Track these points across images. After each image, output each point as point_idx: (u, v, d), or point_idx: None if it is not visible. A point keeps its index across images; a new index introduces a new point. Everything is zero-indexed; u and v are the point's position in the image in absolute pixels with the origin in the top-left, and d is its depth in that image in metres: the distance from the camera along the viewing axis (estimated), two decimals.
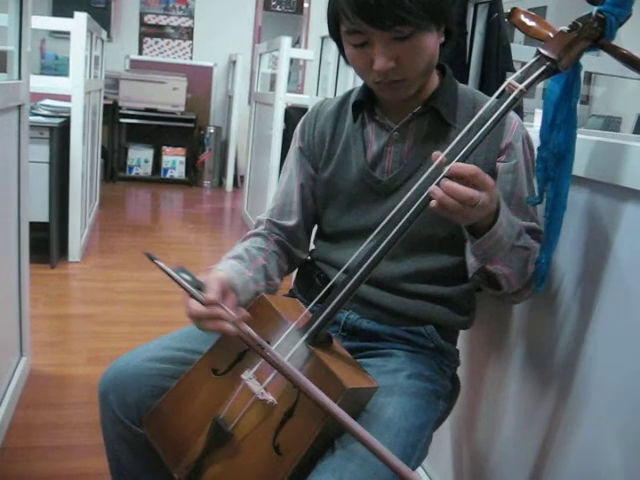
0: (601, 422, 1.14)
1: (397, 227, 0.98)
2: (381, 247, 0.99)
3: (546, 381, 1.29)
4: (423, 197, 0.96)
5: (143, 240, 4.48)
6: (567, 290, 1.24)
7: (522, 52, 2.15)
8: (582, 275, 1.20)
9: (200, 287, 1.00)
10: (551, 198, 1.15)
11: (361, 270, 1.00)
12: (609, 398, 1.12)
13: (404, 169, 1.22)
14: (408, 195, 0.98)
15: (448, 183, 0.93)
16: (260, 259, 1.27)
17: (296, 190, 1.35)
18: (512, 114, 1.20)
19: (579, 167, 1.17)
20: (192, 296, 0.98)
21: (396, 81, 1.14)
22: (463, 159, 0.95)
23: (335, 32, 1.17)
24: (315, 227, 1.41)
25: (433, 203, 0.94)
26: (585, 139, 1.18)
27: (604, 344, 1.14)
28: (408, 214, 0.97)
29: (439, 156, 0.95)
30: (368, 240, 1.02)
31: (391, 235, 0.98)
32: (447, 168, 0.94)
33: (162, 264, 0.97)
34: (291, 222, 1.35)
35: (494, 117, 0.97)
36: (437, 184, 0.93)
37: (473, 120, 0.98)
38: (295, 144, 1.38)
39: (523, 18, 1.12)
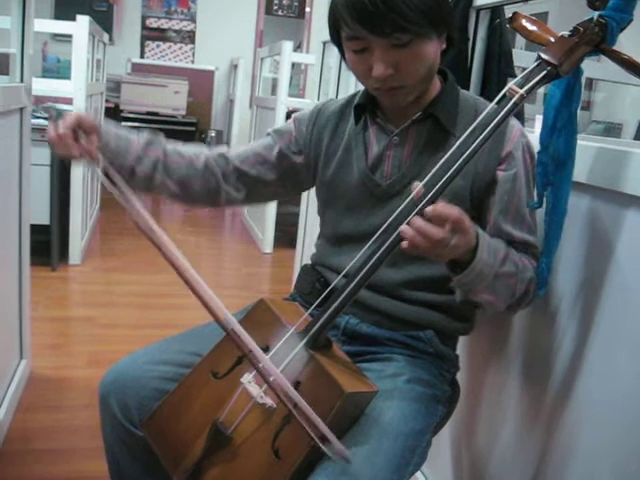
0: (602, 428, 1.14)
1: (372, 261, 0.99)
2: (374, 259, 0.99)
3: (546, 387, 1.29)
4: (394, 236, 0.96)
5: (143, 243, 4.46)
6: (568, 296, 1.24)
7: (523, 57, 2.16)
8: (584, 281, 1.20)
9: (60, 117, 1.17)
10: (551, 202, 1.15)
11: (360, 275, 1.00)
12: (610, 404, 1.12)
13: (403, 175, 1.23)
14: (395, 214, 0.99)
15: (420, 224, 0.93)
16: (159, 152, 1.30)
17: (260, 150, 1.36)
18: (514, 122, 1.20)
19: (581, 173, 1.17)
20: (50, 124, 1.17)
21: (395, 88, 1.14)
22: (448, 182, 0.96)
23: (336, 37, 1.18)
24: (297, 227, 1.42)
25: (404, 244, 0.95)
26: (587, 145, 1.18)
27: (605, 351, 1.14)
28: (380, 251, 0.98)
29: (417, 187, 0.96)
30: (367, 246, 1.03)
31: (369, 265, 0.99)
32: (428, 197, 0.95)
33: (49, 105, 1.25)
34: (235, 161, 1.36)
35: (494, 122, 0.97)
36: (408, 223, 0.94)
37: (474, 125, 0.99)
38: (289, 129, 1.38)
39: (524, 23, 1.12)
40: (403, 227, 0.94)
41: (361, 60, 1.13)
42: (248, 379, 1.05)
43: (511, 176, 1.18)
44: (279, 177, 1.37)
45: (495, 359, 1.49)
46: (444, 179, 0.96)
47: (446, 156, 0.98)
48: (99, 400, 1.21)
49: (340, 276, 1.11)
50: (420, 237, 0.93)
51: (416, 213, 0.95)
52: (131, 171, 1.27)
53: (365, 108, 1.28)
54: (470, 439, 1.61)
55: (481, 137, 0.97)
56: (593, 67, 2.92)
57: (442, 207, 0.94)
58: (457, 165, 0.96)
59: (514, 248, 1.17)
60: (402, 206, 0.98)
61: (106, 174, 1.13)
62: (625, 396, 1.09)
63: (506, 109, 0.97)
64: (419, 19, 1.05)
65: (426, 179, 0.97)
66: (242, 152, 1.38)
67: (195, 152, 1.35)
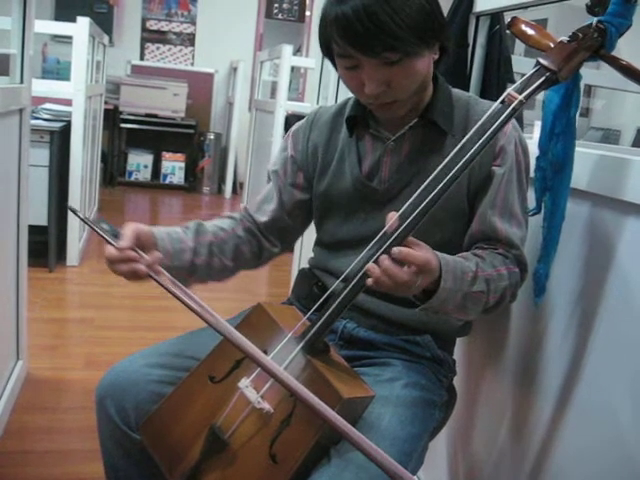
0: (599, 434, 1.14)
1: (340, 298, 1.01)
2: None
3: (543, 393, 1.29)
4: (361, 273, 0.98)
5: None
6: (568, 303, 1.24)
7: (522, 64, 2.16)
8: (583, 289, 1.20)
9: (117, 235, 1.10)
10: (549, 208, 1.15)
11: (355, 280, 1.00)
12: (608, 411, 1.12)
13: (400, 177, 1.23)
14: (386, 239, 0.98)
15: (387, 265, 0.94)
16: (209, 236, 1.28)
17: (277, 193, 1.36)
18: None
19: (581, 180, 1.17)
20: (107, 242, 1.09)
21: (388, 102, 1.15)
22: (424, 213, 0.96)
23: (328, 53, 1.18)
24: (307, 235, 1.41)
25: (369, 281, 0.96)
26: (587, 152, 1.18)
27: (604, 358, 1.14)
28: (349, 287, 1.00)
29: (393, 218, 0.96)
30: (367, 249, 1.03)
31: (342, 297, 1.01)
32: (399, 231, 0.95)
33: (82, 216, 1.15)
34: (263, 219, 1.36)
35: (492, 129, 0.97)
36: (376, 262, 0.95)
37: (471, 132, 0.99)
38: (287, 151, 1.37)
39: (524, 27, 1.12)
40: (370, 265, 0.95)
41: (353, 76, 1.13)
42: (245, 384, 1.05)
43: (503, 170, 1.18)
44: (301, 210, 1.37)
45: (492, 365, 1.50)
46: (419, 209, 0.96)
47: (435, 172, 0.98)
48: (96, 402, 1.20)
49: (338, 281, 1.11)
50: (385, 278, 0.94)
51: (384, 251, 0.95)
52: (191, 265, 1.24)
53: (357, 119, 1.28)
54: (467, 444, 1.61)
55: (476, 147, 0.97)
56: (592, 74, 2.93)
57: (407, 251, 0.94)
58: (440, 187, 0.97)
59: (495, 248, 1.17)
60: (378, 236, 0.99)
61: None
62: (621, 403, 1.09)
63: (505, 115, 0.98)
64: (408, 37, 1.05)
65: (402, 209, 0.97)
66: (258, 201, 1.38)
67: (232, 222, 1.34)
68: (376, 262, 0.95)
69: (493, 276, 1.11)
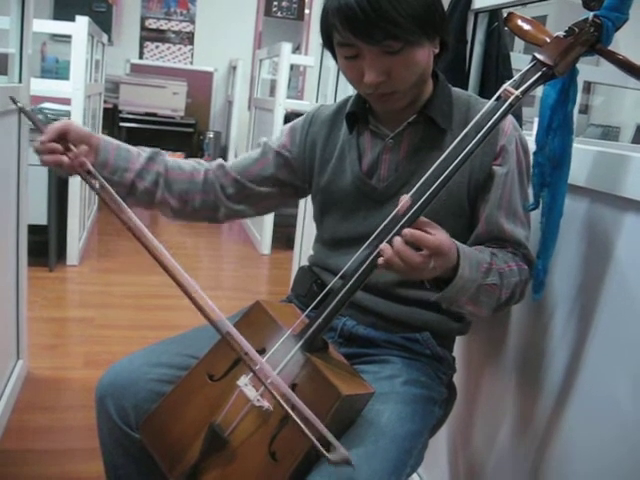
0: (599, 431, 1.14)
1: (354, 279, 0.99)
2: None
3: (543, 390, 1.29)
4: (374, 254, 0.97)
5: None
6: (567, 300, 1.24)
7: (522, 61, 2.15)
8: (582, 285, 1.20)
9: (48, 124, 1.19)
10: (547, 203, 1.15)
11: (355, 277, 1.00)
12: (607, 407, 1.12)
13: (399, 176, 1.23)
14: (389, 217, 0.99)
15: (399, 246, 0.93)
16: (161, 167, 1.31)
17: (256, 161, 1.37)
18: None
19: (579, 177, 1.17)
20: (38, 130, 1.18)
21: (387, 94, 1.15)
22: (435, 194, 0.96)
23: (328, 43, 1.18)
24: (314, 232, 1.41)
25: (381, 260, 0.95)
26: (586, 149, 1.18)
27: (605, 353, 1.14)
28: (361, 269, 0.98)
29: (405, 199, 0.96)
30: (363, 247, 1.03)
31: (353, 280, 1.00)
32: (412, 211, 0.95)
33: (20, 105, 1.26)
34: (232, 172, 1.36)
35: (489, 124, 0.97)
36: (389, 242, 0.94)
37: (467, 128, 0.99)
38: (282, 140, 1.37)
39: (520, 23, 1.12)
40: (383, 245, 0.95)
41: (353, 66, 1.13)
42: (245, 382, 1.05)
43: (505, 171, 1.18)
44: (275, 187, 1.37)
45: (492, 362, 1.50)
46: (431, 190, 0.96)
47: (435, 165, 0.98)
48: (96, 402, 1.20)
49: (336, 277, 1.11)
50: (397, 259, 0.94)
51: (397, 232, 0.95)
52: (131, 186, 1.28)
53: (357, 115, 1.28)
54: (467, 441, 1.61)
55: (474, 142, 0.97)
56: (591, 71, 2.92)
57: (420, 234, 0.94)
58: (446, 173, 0.96)
59: (504, 247, 1.17)
60: (390, 216, 0.98)
61: (101, 187, 1.16)
62: (622, 398, 1.09)
63: (501, 111, 0.97)
64: (410, 26, 1.05)
65: (414, 189, 0.97)
66: (239, 163, 1.38)
67: (195, 166, 1.36)
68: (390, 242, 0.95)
69: (505, 271, 1.12)
